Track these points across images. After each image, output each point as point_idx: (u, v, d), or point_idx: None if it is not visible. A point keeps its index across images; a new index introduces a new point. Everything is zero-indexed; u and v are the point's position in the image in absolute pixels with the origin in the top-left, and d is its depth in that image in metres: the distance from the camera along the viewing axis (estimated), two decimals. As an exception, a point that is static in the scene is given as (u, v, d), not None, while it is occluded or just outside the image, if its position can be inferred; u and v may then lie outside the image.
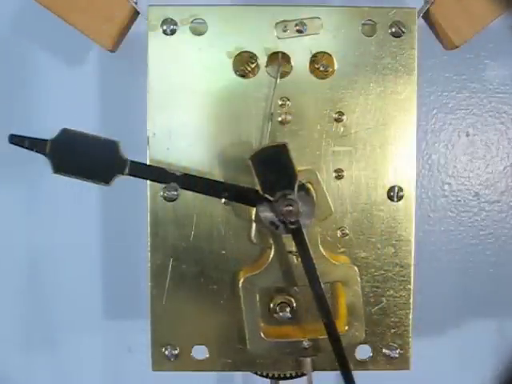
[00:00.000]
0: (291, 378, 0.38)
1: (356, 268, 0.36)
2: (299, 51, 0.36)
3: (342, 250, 0.37)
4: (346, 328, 0.36)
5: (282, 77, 0.36)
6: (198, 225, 0.37)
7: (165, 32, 0.36)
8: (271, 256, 0.36)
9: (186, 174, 0.33)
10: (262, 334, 0.36)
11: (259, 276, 0.36)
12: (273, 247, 0.36)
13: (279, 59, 0.36)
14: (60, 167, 0.32)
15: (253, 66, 0.36)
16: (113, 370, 0.56)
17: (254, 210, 0.35)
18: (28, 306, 0.55)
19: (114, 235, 0.54)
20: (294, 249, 0.35)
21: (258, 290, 0.36)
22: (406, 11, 0.36)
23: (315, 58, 0.36)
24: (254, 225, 0.36)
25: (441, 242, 0.55)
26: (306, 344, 0.36)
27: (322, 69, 0.36)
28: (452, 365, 0.57)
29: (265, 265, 0.36)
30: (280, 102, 0.36)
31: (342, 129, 0.36)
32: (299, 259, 0.35)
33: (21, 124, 0.52)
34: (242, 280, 0.36)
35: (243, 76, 0.36)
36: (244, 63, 0.36)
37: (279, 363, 0.38)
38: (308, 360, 0.37)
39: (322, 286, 0.34)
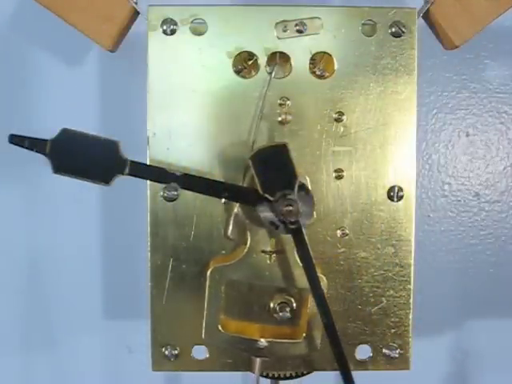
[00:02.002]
0: (291, 377, 0.38)
1: (325, 278, 0.36)
2: (299, 51, 0.36)
3: (342, 250, 0.37)
4: (304, 335, 0.36)
5: (281, 77, 0.36)
6: (198, 225, 0.37)
7: (165, 32, 0.36)
8: (245, 251, 0.36)
9: (185, 174, 0.33)
10: (219, 327, 0.36)
11: (229, 268, 0.35)
12: (248, 243, 0.36)
13: (277, 59, 0.36)
14: (60, 167, 0.32)
15: (253, 65, 0.36)
16: (113, 370, 0.56)
17: (236, 206, 0.35)
18: (28, 306, 0.55)
19: (114, 235, 0.54)
20: (268, 248, 0.35)
21: (224, 281, 0.35)
22: (406, 11, 0.36)
23: (313, 61, 0.36)
24: (231, 220, 0.36)
25: (441, 242, 0.55)
26: (261, 344, 0.36)
27: (318, 73, 0.36)
28: (452, 365, 0.57)
29: (237, 258, 0.36)
30: (280, 102, 0.36)
31: (341, 129, 0.36)
32: (272, 259, 0.35)
33: (21, 124, 0.52)
34: (211, 269, 0.35)
35: (243, 76, 0.36)
36: (244, 63, 0.36)
37: (279, 363, 0.38)
38: (258, 360, 0.36)
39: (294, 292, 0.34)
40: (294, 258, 0.35)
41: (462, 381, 0.57)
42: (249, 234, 0.36)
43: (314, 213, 0.35)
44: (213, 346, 0.37)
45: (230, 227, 0.36)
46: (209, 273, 0.35)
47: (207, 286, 0.35)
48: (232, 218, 0.36)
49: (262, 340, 0.36)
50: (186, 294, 0.37)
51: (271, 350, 0.36)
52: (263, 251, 0.36)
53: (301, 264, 0.34)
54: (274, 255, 0.36)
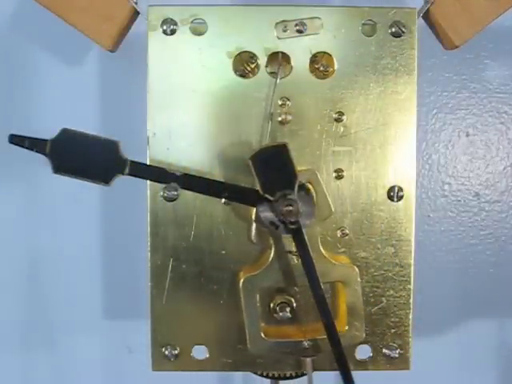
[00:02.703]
0: (291, 377, 0.38)
1: (356, 268, 0.36)
2: (299, 51, 0.36)
3: (342, 250, 0.37)
4: (346, 328, 0.36)
5: (281, 77, 0.36)
6: (198, 225, 0.37)
7: (165, 32, 0.36)
8: (271, 256, 0.36)
9: (186, 174, 0.33)
10: (262, 335, 0.36)
11: (259, 276, 0.36)
12: (273, 247, 0.36)
13: (279, 59, 0.36)
14: (60, 167, 0.32)
15: (253, 65, 0.36)
16: (113, 370, 0.56)
17: (253, 210, 0.35)
18: (28, 305, 0.55)
19: (114, 235, 0.54)
20: (293, 249, 0.35)
21: (258, 290, 0.36)
22: (406, 11, 0.36)
23: (315, 58, 0.36)
24: (254, 225, 0.36)
25: (441, 242, 0.55)
26: (306, 344, 0.36)
27: (321, 69, 0.36)
28: (452, 365, 0.57)
29: (265, 265, 0.36)
30: (280, 102, 0.36)
31: (342, 129, 0.36)
32: (299, 259, 0.35)
33: (21, 124, 0.52)
34: (242, 280, 0.36)
35: (243, 76, 0.36)
36: (244, 63, 0.36)
37: (279, 363, 0.38)
38: (308, 360, 0.37)
39: (322, 286, 0.34)
40: (320, 252, 0.35)
41: (462, 381, 0.57)
42: (271, 237, 0.36)
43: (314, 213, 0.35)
44: (260, 354, 0.37)
45: (253, 231, 0.36)
46: (241, 284, 0.35)
47: (242, 298, 0.35)
48: (254, 223, 0.36)
49: (306, 339, 0.36)
50: (186, 294, 0.37)
51: (316, 347, 0.36)
52: (289, 252, 0.36)
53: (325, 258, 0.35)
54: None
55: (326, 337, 0.35)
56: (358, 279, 0.36)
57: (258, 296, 0.36)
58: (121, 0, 0.36)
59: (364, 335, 0.36)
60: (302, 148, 0.36)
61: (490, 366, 0.57)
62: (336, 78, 0.36)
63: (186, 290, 0.37)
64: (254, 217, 0.36)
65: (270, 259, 0.36)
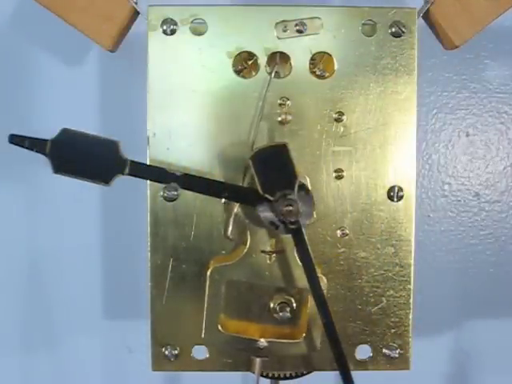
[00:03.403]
0: (291, 377, 0.38)
1: (324, 279, 0.36)
2: (299, 51, 0.36)
3: (342, 249, 0.37)
4: (304, 335, 0.36)
5: (280, 77, 0.36)
6: (198, 225, 0.37)
7: (165, 32, 0.36)
8: (244, 251, 0.36)
9: (186, 174, 0.33)
10: (219, 326, 0.36)
11: (229, 268, 0.36)
12: (248, 243, 0.36)
13: (277, 59, 0.36)
14: (60, 167, 0.32)
15: (252, 65, 0.36)
16: (113, 370, 0.56)
17: (236, 206, 0.35)
18: (28, 305, 0.55)
19: (114, 235, 0.54)
20: (268, 249, 0.35)
21: (224, 281, 0.35)
22: (406, 11, 0.36)
23: (313, 62, 0.36)
24: (230, 220, 0.36)
25: (441, 242, 0.55)
26: (261, 344, 0.36)
27: (318, 73, 0.36)
28: (452, 365, 0.57)
29: (236, 258, 0.36)
30: (280, 102, 0.36)
31: (342, 129, 0.36)
32: (272, 259, 0.35)
33: (21, 124, 0.52)
34: (211, 269, 0.35)
35: (243, 76, 0.36)
36: (244, 63, 0.36)
37: (279, 363, 0.38)
38: (258, 360, 0.36)
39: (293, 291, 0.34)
40: (294, 257, 0.35)
41: (462, 381, 0.57)
42: (249, 234, 0.36)
43: (314, 213, 0.35)
44: (212, 345, 0.37)
45: (230, 227, 0.36)
46: (209, 273, 0.35)
47: (207, 286, 0.35)
48: (232, 218, 0.36)
49: (262, 340, 0.36)
50: (186, 294, 0.37)
51: (271, 349, 0.36)
52: (263, 251, 0.36)
53: (301, 264, 0.34)
54: (274, 255, 0.36)
55: (283, 341, 0.35)
56: (324, 290, 0.35)
57: (223, 287, 0.35)
58: (121, 0, 0.36)
59: (319, 346, 0.36)
60: (302, 148, 0.36)
61: (490, 366, 0.57)
62: (336, 78, 0.36)
63: (185, 290, 0.37)
64: (235, 211, 0.36)
65: (243, 254, 0.36)
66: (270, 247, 0.36)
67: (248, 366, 0.37)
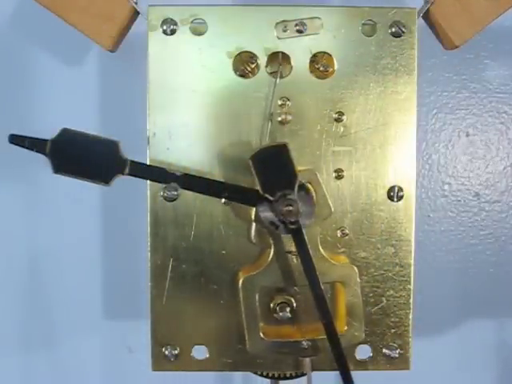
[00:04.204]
0: (291, 378, 0.38)
1: (356, 268, 0.36)
2: (299, 51, 0.36)
3: (342, 250, 0.37)
4: (346, 328, 0.36)
5: (281, 77, 0.36)
6: (198, 225, 0.37)
7: (165, 32, 0.36)
8: (271, 256, 0.36)
9: (186, 174, 0.33)
10: (261, 334, 0.36)
11: (259, 276, 0.36)
12: (272, 247, 0.36)
13: (279, 59, 0.36)
14: (60, 167, 0.32)
15: (253, 66, 0.36)
16: (113, 370, 0.56)
17: (253, 210, 0.35)
18: (28, 306, 0.55)
19: (114, 235, 0.54)
20: (293, 249, 0.35)
21: (257, 289, 0.36)
22: (406, 11, 0.36)
23: (315, 58, 0.36)
24: (253, 225, 0.36)
25: (441, 242, 0.55)
26: (305, 344, 0.36)
27: (322, 69, 0.36)
28: (452, 365, 0.57)
29: (264, 265, 0.36)
30: (280, 102, 0.36)
31: (342, 129, 0.36)
32: (298, 259, 0.35)
33: (21, 124, 0.52)
34: (241, 280, 0.36)
35: (243, 76, 0.36)
36: (244, 63, 0.36)
37: (279, 363, 0.38)
38: (307, 360, 0.37)
39: (322, 286, 0.34)
40: (320, 252, 0.35)
41: (462, 381, 0.57)
42: (271, 237, 0.36)
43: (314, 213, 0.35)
44: (258, 354, 0.37)
45: (253, 232, 0.36)
46: (240, 284, 0.35)
47: (241, 298, 0.35)
48: (253, 223, 0.36)
49: (305, 340, 0.36)
50: (185, 294, 0.37)
51: (315, 347, 0.36)
52: (288, 252, 0.36)
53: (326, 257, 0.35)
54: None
55: (325, 337, 0.35)
56: (358, 279, 0.36)
57: (257, 296, 0.36)
58: (121, 0, 0.36)
59: (363, 335, 0.36)
60: (302, 148, 0.36)
61: (490, 366, 0.57)
62: (336, 77, 0.36)
63: (185, 290, 0.37)
64: (253, 217, 0.36)
65: (270, 259, 0.36)
66: (294, 247, 0.36)
67: (296, 368, 0.38)
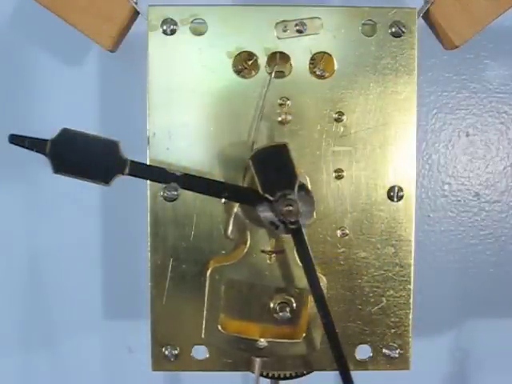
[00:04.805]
0: (291, 377, 0.38)
1: (324, 278, 0.36)
2: (299, 51, 0.36)
3: (341, 249, 0.37)
4: (304, 335, 0.36)
5: (280, 77, 0.36)
6: (198, 225, 0.37)
7: (165, 32, 0.36)
8: (244, 251, 0.36)
9: (186, 174, 0.33)
10: (219, 326, 0.36)
11: (229, 268, 0.36)
12: (248, 243, 0.36)
13: (277, 59, 0.36)
14: (60, 167, 0.32)
15: (253, 65, 0.36)
16: (113, 370, 0.56)
17: (236, 205, 0.35)
18: (28, 306, 0.55)
19: (114, 235, 0.54)
20: (268, 248, 0.35)
21: (224, 281, 0.35)
22: (406, 11, 0.36)
23: (313, 61, 0.36)
24: (231, 220, 0.36)
25: (441, 242, 0.55)
26: (260, 344, 0.36)
27: (318, 73, 0.36)
28: (452, 365, 0.57)
29: (237, 258, 0.36)
30: (280, 102, 0.36)
31: (342, 129, 0.36)
32: (272, 259, 0.35)
33: (21, 124, 0.52)
34: (210, 269, 0.35)
35: (243, 76, 0.36)
36: (244, 63, 0.36)
37: (279, 363, 0.38)
38: (257, 360, 0.36)
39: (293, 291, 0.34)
40: (294, 258, 0.35)
41: (462, 381, 0.57)
42: (249, 233, 0.36)
43: (314, 213, 0.35)
44: (212, 345, 0.37)
45: (230, 227, 0.36)
46: (209, 272, 0.35)
47: (207, 286, 0.35)
48: (232, 218, 0.36)
49: (262, 340, 0.36)
50: (186, 294, 0.37)
51: (271, 349, 0.36)
52: (263, 251, 0.36)
53: (301, 264, 0.34)
54: (274, 255, 0.36)
55: (283, 341, 0.35)
56: (325, 290, 0.35)
57: (223, 287, 0.35)
58: (121, 0, 0.36)
59: (319, 346, 0.36)
60: (302, 148, 0.36)
61: (490, 366, 0.57)
62: (336, 77, 0.36)
63: (185, 290, 0.37)
64: (235, 211, 0.36)
65: (243, 254, 0.36)
66: (270, 247, 0.36)
67: (248, 366, 0.37)
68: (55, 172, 0.32)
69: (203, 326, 0.36)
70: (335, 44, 0.36)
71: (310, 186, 0.35)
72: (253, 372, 0.37)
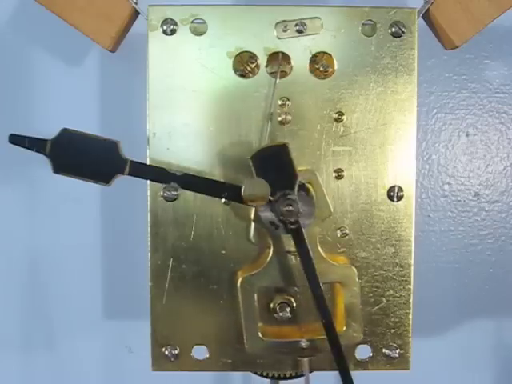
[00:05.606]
0: (291, 378, 0.38)
1: (354, 268, 0.36)
2: (299, 51, 0.36)
3: (341, 250, 0.37)
4: (344, 328, 0.36)
5: (281, 77, 0.36)
6: (198, 225, 0.37)
7: (165, 32, 0.36)
8: (270, 256, 0.36)
9: (186, 174, 0.34)
10: (259, 334, 0.36)
11: (258, 275, 0.36)
12: (271, 247, 0.36)
13: (279, 59, 0.36)
14: (60, 167, 0.32)
15: (253, 65, 0.36)
16: (113, 370, 0.56)
17: (253, 210, 0.35)
18: (28, 306, 0.55)
19: (113, 235, 0.54)
20: (292, 249, 0.35)
21: (256, 289, 0.36)
22: (406, 11, 0.36)
23: (315, 58, 0.36)
24: (252, 224, 0.36)
25: (441, 242, 0.55)
26: (303, 344, 0.36)
27: (321, 69, 0.36)
28: (452, 365, 0.57)
29: (263, 264, 0.36)
30: (280, 102, 0.36)
31: (342, 129, 0.36)
32: (298, 259, 0.35)
33: (21, 124, 0.52)
34: (240, 279, 0.36)
35: (243, 76, 0.36)
36: (244, 63, 0.36)
37: (279, 363, 0.38)
38: (305, 360, 0.37)
39: (322, 286, 0.34)
40: (319, 253, 0.35)
41: (462, 381, 0.57)
42: (270, 237, 0.36)
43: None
44: (257, 354, 0.37)
45: (252, 231, 0.36)
46: (239, 284, 0.36)
47: (240, 298, 0.35)
48: (252, 223, 0.36)
49: (304, 340, 0.36)
50: (185, 294, 0.37)
51: (314, 347, 0.36)
52: (287, 252, 0.36)
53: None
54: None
55: (324, 337, 0.35)
56: (357, 279, 0.36)
57: (256, 296, 0.36)
58: (121, 0, 0.36)
59: (362, 336, 0.36)
60: (302, 148, 0.36)
61: (490, 366, 0.57)
62: (336, 77, 0.36)
63: (185, 290, 0.37)
64: (252, 216, 0.36)
65: (269, 259, 0.36)
66: (294, 247, 0.36)
67: (293, 368, 0.38)
68: (55, 172, 0.32)
69: (245, 337, 0.36)
70: (335, 44, 0.36)
71: (320, 181, 0.35)
72: (303, 373, 0.37)
